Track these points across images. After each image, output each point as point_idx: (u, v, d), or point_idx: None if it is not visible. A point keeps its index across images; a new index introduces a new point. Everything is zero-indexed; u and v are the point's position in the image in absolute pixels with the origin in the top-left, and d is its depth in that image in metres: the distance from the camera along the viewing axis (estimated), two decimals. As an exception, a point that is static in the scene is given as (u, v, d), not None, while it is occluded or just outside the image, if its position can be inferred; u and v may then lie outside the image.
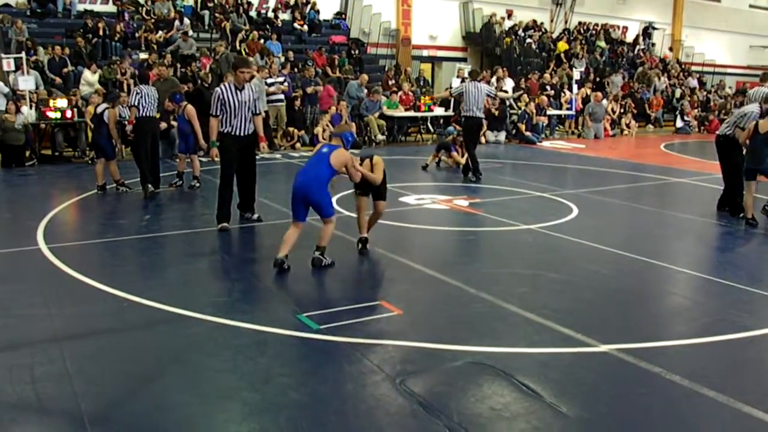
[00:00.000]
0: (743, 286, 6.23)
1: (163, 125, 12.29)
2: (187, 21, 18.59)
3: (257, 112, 8.23)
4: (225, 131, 7.96)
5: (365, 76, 18.22)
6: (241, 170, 8.22)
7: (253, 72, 8.24)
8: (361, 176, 6.81)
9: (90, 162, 12.93)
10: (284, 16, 21.67)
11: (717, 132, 9.79)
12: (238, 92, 7.91)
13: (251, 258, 7.23)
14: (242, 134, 8.01)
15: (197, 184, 10.71)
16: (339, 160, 6.54)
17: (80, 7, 18.48)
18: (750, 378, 4.43)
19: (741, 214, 9.07)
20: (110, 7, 18.92)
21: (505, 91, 18.79)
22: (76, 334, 4.90)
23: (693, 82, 27.84)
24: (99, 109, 10.57)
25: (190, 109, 10.51)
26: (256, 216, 8.46)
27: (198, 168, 10.88)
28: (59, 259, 6.65)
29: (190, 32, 18.20)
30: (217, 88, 8.08)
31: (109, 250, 7.32)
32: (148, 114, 9.86)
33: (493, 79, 20.23)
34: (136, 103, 9.79)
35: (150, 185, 9.85)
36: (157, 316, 5.24)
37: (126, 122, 10.98)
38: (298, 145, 16.23)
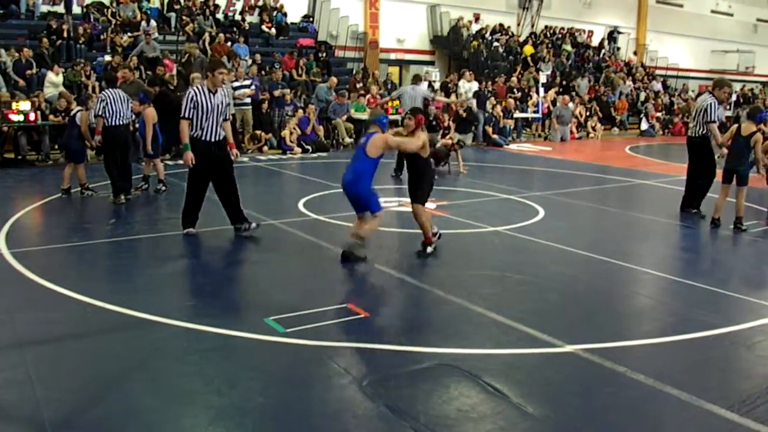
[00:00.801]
0: (706, 285, 6.36)
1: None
2: (153, 23, 18.38)
3: (227, 117, 7.90)
4: (194, 135, 7.54)
5: (334, 79, 18.20)
6: (219, 181, 7.78)
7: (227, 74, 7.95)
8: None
9: (54, 158, 12.73)
10: (252, 18, 21.56)
11: (689, 134, 9.80)
12: (212, 95, 7.55)
13: (218, 262, 7.17)
14: (213, 139, 7.59)
15: (163, 188, 10.58)
16: (376, 145, 6.71)
17: (43, 9, 18.18)
18: (713, 376, 4.51)
19: (694, 210, 9.50)
20: (74, 9, 18.62)
21: (460, 95, 18.82)
22: (39, 340, 4.81)
23: (657, 86, 28.30)
24: (72, 112, 10.37)
25: (148, 112, 10.29)
26: (254, 225, 7.90)
27: (162, 171, 10.74)
28: (22, 264, 6.52)
29: (156, 35, 18.00)
30: (191, 89, 7.67)
31: (73, 254, 7.21)
32: (116, 123, 9.44)
33: (460, 83, 20.35)
34: (101, 112, 9.38)
35: (122, 195, 9.55)
36: (122, 321, 5.17)
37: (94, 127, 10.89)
38: (265, 148, 16.14)
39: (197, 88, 7.63)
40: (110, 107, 9.37)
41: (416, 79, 13.23)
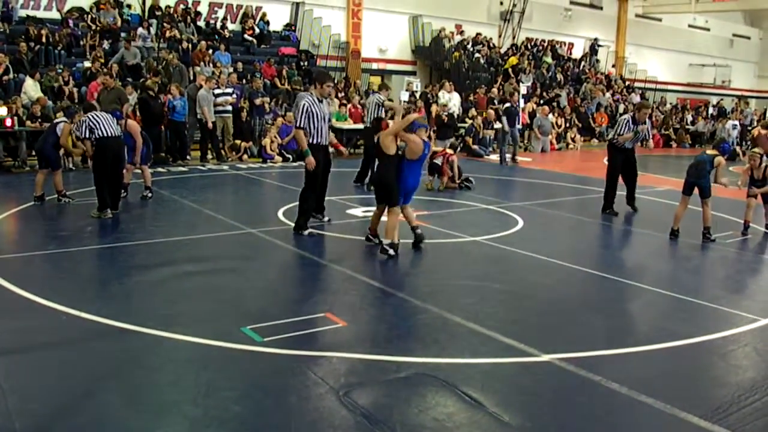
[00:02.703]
0: (680, 295, 6.42)
1: None
2: (153, 31, 18.25)
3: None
4: (310, 141, 8.20)
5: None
6: (320, 178, 8.56)
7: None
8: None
9: (31, 165, 12.60)
10: (233, 26, 21.54)
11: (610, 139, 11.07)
12: (321, 104, 8.28)
13: (195, 270, 7.08)
14: (324, 143, 8.41)
15: (149, 195, 10.52)
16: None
17: (22, 13, 18.01)
18: (686, 384, 4.55)
19: (608, 210, 10.54)
20: (53, 14, 18.49)
21: (442, 105, 18.74)
22: (11, 349, 4.74)
23: (636, 98, 28.56)
24: (55, 121, 10.24)
25: (131, 124, 10.25)
26: (326, 219, 9.08)
27: (149, 178, 10.68)
28: (-5, 271, 6.44)
29: (142, 42, 17.90)
30: (304, 101, 8.29)
31: (49, 262, 7.13)
32: (106, 134, 9.08)
33: (440, 93, 20.44)
34: (86, 135, 9.15)
35: (108, 210, 9.16)
36: (98, 329, 5.12)
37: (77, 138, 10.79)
38: (245, 156, 16.10)
39: (309, 98, 8.26)
40: (93, 125, 9.01)
41: (378, 87, 13.41)
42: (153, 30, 18.44)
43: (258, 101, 16.77)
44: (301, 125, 8.16)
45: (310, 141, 8.20)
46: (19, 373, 4.37)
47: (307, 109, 8.14)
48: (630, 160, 10.76)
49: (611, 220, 10.17)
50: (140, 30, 18.04)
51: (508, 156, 17.42)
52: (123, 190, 10.51)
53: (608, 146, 11.01)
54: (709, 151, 8.85)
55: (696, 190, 8.77)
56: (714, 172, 8.81)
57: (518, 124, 18.57)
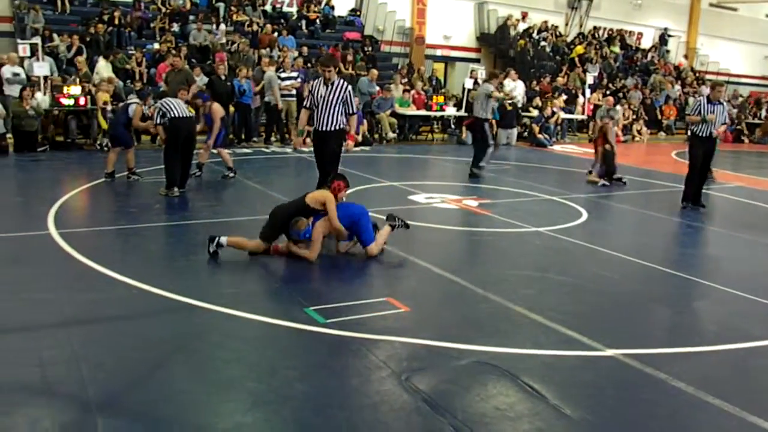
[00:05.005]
0: (750, 295, 6.21)
1: None
2: (223, 27, 18.57)
3: (350, 111, 8.03)
4: (312, 124, 8.26)
5: (375, 72, 18.15)
6: (319, 162, 8.35)
7: (334, 72, 8.19)
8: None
9: (104, 148, 13.01)
10: (298, 10, 21.70)
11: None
12: (325, 87, 7.87)
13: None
14: (320, 128, 7.96)
15: (231, 175, 10.85)
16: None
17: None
18: (755, 387, 4.42)
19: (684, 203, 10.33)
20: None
21: (506, 92, 18.41)
22: (85, 320, 4.93)
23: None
24: (127, 102, 10.58)
25: (215, 108, 10.58)
26: None
27: (229, 160, 10.99)
28: (69, 244, 6.68)
29: (215, 37, 18.22)
30: (314, 81, 8.50)
31: (119, 237, 7.36)
32: (180, 114, 9.32)
33: (506, 81, 20.18)
34: (159, 122, 9.38)
35: (175, 188, 9.36)
36: (166, 304, 5.27)
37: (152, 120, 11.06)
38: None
39: (315, 81, 8.21)
40: (166, 110, 9.23)
41: (488, 77, 13.10)
42: (224, 27, 18.70)
43: (322, 86, 16.88)
44: (305, 105, 8.24)
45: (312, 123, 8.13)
46: (92, 343, 4.53)
47: (309, 89, 8.25)
48: (708, 154, 10.25)
49: (678, 215, 9.91)
50: (213, 28, 18.37)
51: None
52: (198, 170, 10.79)
53: (690, 137, 10.57)
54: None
55: None
56: None
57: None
